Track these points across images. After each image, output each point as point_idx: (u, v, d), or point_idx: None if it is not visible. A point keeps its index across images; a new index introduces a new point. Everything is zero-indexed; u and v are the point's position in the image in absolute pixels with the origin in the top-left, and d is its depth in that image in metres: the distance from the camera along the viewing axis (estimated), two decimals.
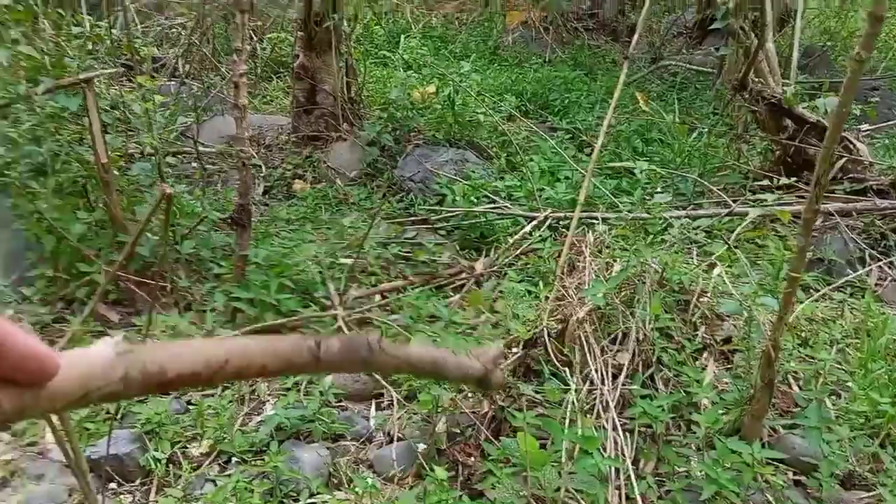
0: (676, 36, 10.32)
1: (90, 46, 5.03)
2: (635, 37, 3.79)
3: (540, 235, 4.15)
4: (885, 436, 2.83)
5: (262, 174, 5.37)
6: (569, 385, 2.50)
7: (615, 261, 3.52)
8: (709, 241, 3.94)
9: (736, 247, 3.73)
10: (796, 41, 5.96)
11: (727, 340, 3.11)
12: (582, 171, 4.41)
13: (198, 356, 0.49)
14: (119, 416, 2.57)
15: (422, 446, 2.47)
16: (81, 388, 0.45)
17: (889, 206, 4.30)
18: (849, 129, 5.02)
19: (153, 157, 3.69)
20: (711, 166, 5.42)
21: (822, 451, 2.57)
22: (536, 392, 2.68)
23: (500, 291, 3.36)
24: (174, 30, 7.02)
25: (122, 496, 2.30)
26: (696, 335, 3.25)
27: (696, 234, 3.82)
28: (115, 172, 3.57)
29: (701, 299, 3.36)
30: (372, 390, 2.87)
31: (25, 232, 3.35)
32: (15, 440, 2.75)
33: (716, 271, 3.62)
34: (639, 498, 2.21)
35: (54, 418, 1.73)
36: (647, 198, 4.06)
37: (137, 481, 2.40)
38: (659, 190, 4.01)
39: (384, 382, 2.80)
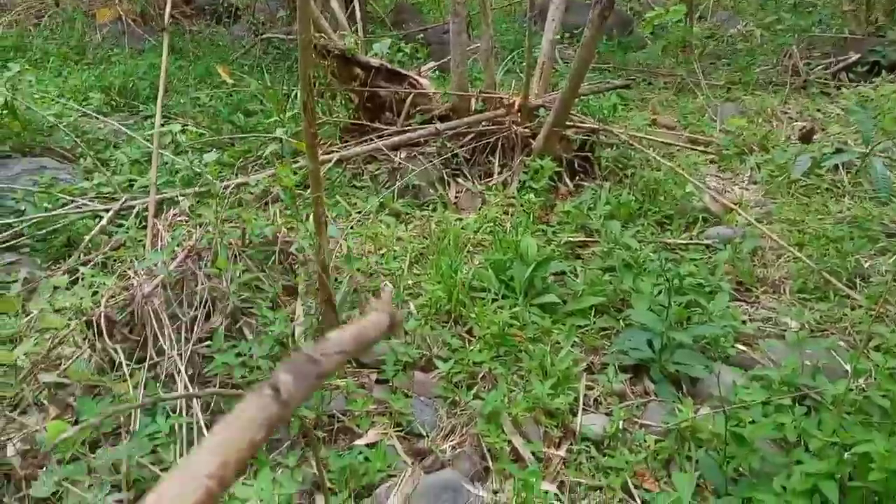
0: (278, 11, 10.49)
1: None
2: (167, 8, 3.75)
3: (126, 226, 3.94)
4: (454, 318, 3.25)
5: None
6: (123, 369, 2.43)
7: (197, 229, 3.50)
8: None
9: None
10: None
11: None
12: (148, 146, 4.27)
13: None
14: None
15: None
16: None
17: (447, 127, 4.90)
18: (412, 68, 5.59)
19: None
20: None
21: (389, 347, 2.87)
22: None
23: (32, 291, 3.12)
24: None
25: None
26: (286, 279, 3.40)
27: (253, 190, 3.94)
28: None
29: (284, 246, 3.51)
30: None
31: None
32: None
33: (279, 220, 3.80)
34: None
35: None
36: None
37: None
38: (209, 150, 4.08)
39: None
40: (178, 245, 3.03)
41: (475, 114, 5.07)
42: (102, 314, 2.60)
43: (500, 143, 4.85)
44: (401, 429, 2.53)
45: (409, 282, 3.49)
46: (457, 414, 2.61)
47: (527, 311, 3.27)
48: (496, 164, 4.79)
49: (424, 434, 2.50)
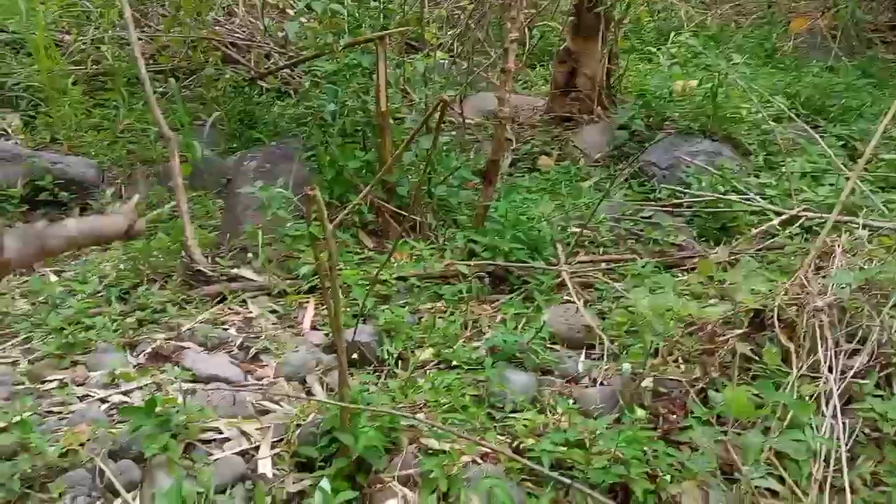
0: None
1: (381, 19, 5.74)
2: None
3: (789, 233, 3.93)
4: None
5: (511, 148, 5.69)
6: (790, 369, 2.40)
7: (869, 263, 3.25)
8: None
9: None
10: None
11: None
12: (847, 173, 4.08)
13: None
14: (365, 315, 3.01)
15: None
16: None
17: None
18: None
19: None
20: None
21: None
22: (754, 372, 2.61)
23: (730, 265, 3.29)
24: (456, 13, 7.64)
25: (360, 375, 2.70)
26: None
27: None
28: (391, 121, 4.06)
29: None
30: (584, 339, 3.00)
31: (316, 162, 3.97)
32: (281, 321, 3.34)
33: None
34: (847, 484, 2.08)
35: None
36: None
37: (372, 367, 2.80)
38: None
39: (598, 332, 2.91)
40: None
41: None
42: (773, 312, 2.64)
43: None
44: None
45: None
46: None
47: None
48: None
49: None
